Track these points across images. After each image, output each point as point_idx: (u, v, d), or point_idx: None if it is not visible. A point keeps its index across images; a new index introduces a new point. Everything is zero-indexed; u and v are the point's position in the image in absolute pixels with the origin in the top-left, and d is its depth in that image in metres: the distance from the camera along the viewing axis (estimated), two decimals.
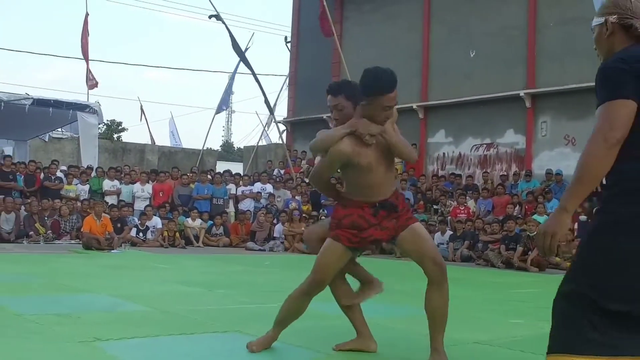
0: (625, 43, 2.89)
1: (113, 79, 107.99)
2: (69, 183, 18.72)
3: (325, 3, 21.41)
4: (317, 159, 4.35)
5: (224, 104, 25.87)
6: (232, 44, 22.62)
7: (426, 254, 4.31)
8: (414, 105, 21.79)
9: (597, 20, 3.00)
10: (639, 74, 2.68)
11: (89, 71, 25.33)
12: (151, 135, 33.63)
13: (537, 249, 2.85)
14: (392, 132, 4.37)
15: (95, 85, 25.29)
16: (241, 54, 23.28)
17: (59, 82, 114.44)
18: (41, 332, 5.20)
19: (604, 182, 2.78)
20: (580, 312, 2.67)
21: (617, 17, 2.91)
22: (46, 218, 16.94)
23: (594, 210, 2.83)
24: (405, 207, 4.44)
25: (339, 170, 4.47)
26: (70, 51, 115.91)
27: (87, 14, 25.92)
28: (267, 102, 22.41)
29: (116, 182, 19.23)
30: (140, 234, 17.05)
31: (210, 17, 22.26)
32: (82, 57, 25.85)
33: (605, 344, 2.61)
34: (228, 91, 26.44)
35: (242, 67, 23.92)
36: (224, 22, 22.03)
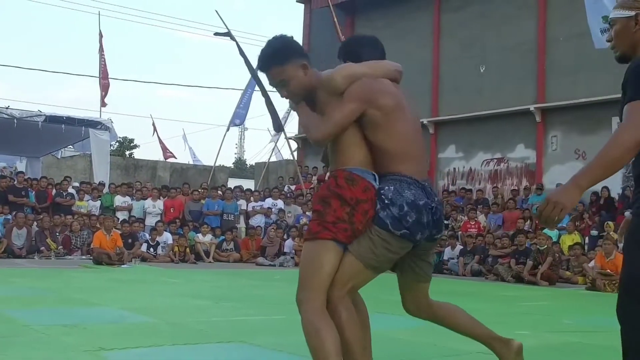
0: None
1: (126, 97, 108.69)
2: (81, 199, 18.83)
3: (336, 20, 21.51)
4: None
5: (238, 117, 25.91)
6: (245, 62, 22.65)
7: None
8: (425, 121, 21.78)
9: (623, 13, 2.87)
10: None
11: (103, 89, 25.57)
12: (167, 150, 33.33)
13: (538, 216, 2.74)
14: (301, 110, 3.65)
15: (104, 105, 25.56)
16: (253, 73, 23.33)
17: (73, 100, 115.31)
18: (48, 342, 5.25)
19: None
20: None
21: None
22: (57, 234, 17.03)
23: (632, 212, 2.79)
24: (315, 208, 3.47)
25: None
26: (84, 70, 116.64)
27: (100, 34, 26.19)
28: (275, 122, 22.24)
29: (128, 198, 19.32)
30: (151, 250, 17.10)
31: (215, 34, 22.24)
32: (95, 75, 26.11)
33: None
34: (243, 106, 26.48)
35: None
36: (234, 39, 22.07)
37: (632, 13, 2.83)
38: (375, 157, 3.43)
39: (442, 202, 3.59)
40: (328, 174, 3.60)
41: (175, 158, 32.39)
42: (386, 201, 3.33)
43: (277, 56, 3.52)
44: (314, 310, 3.28)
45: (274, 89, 3.72)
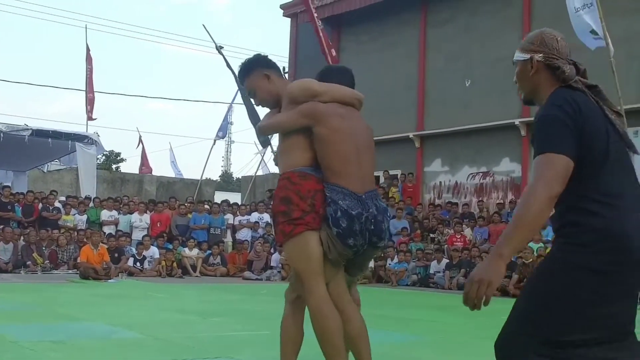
0: (549, 83, 2.84)
1: (113, 111, 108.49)
2: (67, 213, 18.79)
3: (321, 34, 21.60)
4: None
5: (221, 130, 26.09)
6: (234, 76, 22.73)
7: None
8: (411, 135, 21.91)
9: (521, 56, 2.93)
10: (579, 127, 2.66)
11: (89, 103, 25.55)
12: (146, 164, 33.12)
13: (464, 300, 2.65)
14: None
15: (91, 118, 25.53)
16: (241, 87, 23.47)
17: (60, 114, 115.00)
18: (36, 358, 5.28)
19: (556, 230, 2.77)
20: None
21: (543, 56, 2.85)
22: (44, 248, 17.00)
23: (546, 255, 2.80)
24: (278, 210, 3.82)
25: None
26: (71, 84, 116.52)
27: (87, 47, 26.20)
28: (260, 137, 22.35)
29: (114, 212, 19.30)
30: (138, 264, 17.08)
31: (219, 49, 22.33)
32: (82, 89, 26.12)
33: None
34: (227, 119, 26.65)
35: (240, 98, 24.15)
36: (223, 56, 22.16)
37: (528, 56, 2.89)
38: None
39: (385, 210, 3.96)
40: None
41: (150, 172, 32.08)
42: (328, 200, 3.75)
43: (243, 70, 4.09)
44: (320, 298, 3.71)
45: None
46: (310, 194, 3.72)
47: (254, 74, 4.05)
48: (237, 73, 4.22)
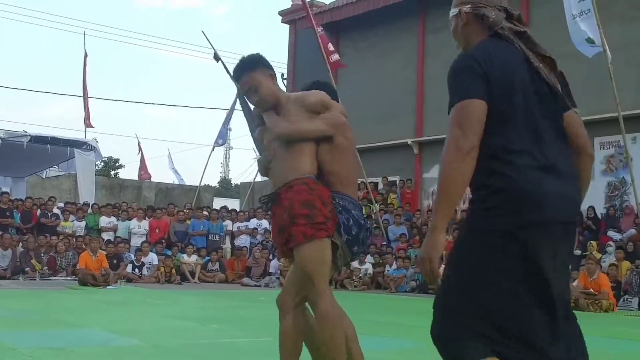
0: (480, 33, 2.81)
1: (112, 117, 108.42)
2: (66, 219, 18.78)
3: (320, 41, 21.60)
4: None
5: (221, 137, 26.07)
6: (232, 79, 22.73)
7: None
8: (409, 141, 21.91)
9: (452, 12, 2.90)
10: (488, 76, 2.60)
11: (87, 109, 25.55)
12: (144, 170, 33.00)
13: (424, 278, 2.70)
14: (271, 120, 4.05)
15: (89, 125, 25.53)
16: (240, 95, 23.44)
17: (57, 119, 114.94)
18: None
19: (470, 196, 2.66)
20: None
21: (470, 6, 2.82)
22: (42, 254, 16.97)
23: (460, 226, 2.76)
24: (300, 213, 3.76)
25: None
26: (69, 89, 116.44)
27: (85, 54, 26.23)
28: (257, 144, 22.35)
29: (113, 219, 19.29)
30: (136, 270, 17.06)
31: (216, 59, 22.34)
32: (80, 95, 26.12)
33: None
34: (226, 126, 26.64)
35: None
36: (222, 62, 22.18)
37: (457, 10, 2.89)
38: (323, 177, 3.92)
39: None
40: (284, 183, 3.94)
41: (150, 178, 31.97)
42: (339, 208, 3.85)
43: (246, 64, 4.03)
44: (329, 300, 3.75)
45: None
46: (329, 200, 3.82)
47: (259, 70, 4.01)
48: (238, 66, 4.07)
